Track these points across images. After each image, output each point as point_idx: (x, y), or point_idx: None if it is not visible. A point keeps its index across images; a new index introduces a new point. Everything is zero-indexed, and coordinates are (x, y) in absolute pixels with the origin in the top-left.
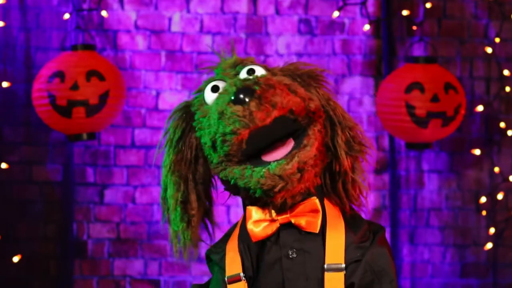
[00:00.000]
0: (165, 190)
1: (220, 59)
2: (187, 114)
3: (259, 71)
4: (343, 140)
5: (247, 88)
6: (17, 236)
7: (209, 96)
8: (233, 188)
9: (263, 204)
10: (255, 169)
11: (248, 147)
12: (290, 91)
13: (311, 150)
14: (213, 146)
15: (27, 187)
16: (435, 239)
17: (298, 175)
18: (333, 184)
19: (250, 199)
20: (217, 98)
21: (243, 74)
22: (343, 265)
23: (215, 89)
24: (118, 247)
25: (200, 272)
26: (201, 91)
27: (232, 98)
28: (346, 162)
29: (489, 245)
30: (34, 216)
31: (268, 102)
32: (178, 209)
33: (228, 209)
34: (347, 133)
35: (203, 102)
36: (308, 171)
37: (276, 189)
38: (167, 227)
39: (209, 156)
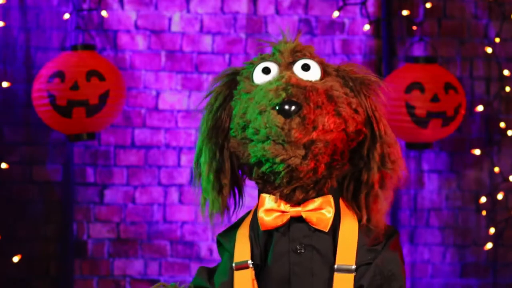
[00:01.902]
0: (199, 155)
1: (282, 39)
2: (233, 82)
3: (314, 68)
4: (379, 154)
5: (295, 102)
6: (17, 236)
7: (258, 76)
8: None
9: (274, 188)
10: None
11: None
12: (336, 113)
13: (326, 136)
14: (243, 126)
15: (27, 187)
16: (435, 239)
17: (303, 152)
18: (355, 194)
19: (259, 178)
20: (265, 89)
21: (297, 67)
22: (354, 267)
23: (266, 71)
24: (118, 247)
25: None
26: (253, 64)
27: (278, 105)
28: (376, 176)
29: (489, 245)
30: (34, 216)
31: (310, 123)
32: (211, 177)
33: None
34: (384, 148)
35: (250, 76)
36: (316, 157)
37: (278, 160)
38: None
39: (232, 128)
